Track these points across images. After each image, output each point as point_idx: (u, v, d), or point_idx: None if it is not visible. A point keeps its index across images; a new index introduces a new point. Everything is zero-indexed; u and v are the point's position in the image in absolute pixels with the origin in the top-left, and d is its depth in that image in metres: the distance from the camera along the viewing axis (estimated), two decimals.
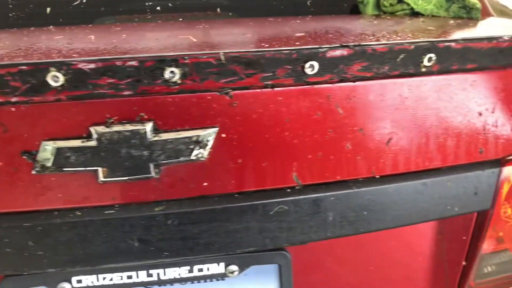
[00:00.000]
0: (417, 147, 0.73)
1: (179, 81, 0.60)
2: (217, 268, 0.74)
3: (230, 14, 1.29)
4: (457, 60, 0.72)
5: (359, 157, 0.71)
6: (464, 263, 0.82)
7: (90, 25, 1.14)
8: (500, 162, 0.79)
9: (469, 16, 1.22)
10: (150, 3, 1.25)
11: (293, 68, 0.64)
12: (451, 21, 1.13)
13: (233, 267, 0.75)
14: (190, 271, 0.73)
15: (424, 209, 0.75)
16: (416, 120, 0.72)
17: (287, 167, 0.69)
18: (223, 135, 0.65)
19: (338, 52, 0.65)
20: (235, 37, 0.83)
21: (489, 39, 0.72)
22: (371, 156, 0.72)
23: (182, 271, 0.73)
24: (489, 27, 1.06)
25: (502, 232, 0.82)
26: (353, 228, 0.72)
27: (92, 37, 0.86)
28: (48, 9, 1.23)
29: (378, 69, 0.68)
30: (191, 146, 0.63)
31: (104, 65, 0.58)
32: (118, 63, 0.58)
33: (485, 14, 1.37)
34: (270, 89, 0.65)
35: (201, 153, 0.64)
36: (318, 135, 0.68)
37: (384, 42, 0.67)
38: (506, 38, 0.73)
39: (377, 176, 0.73)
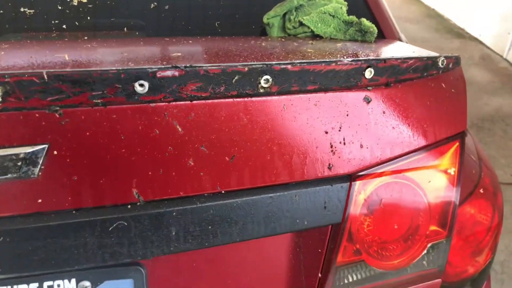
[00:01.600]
0: (262, 163, 0.76)
1: (0, 99, 0.62)
2: (68, 284, 0.75)
3: (137, 33, 1.32)
4: (296, 81, 0.75)
5: (203, 173, 0.74)
6: (319, 275, 0.84)
7: None
8: (350, 177, 0.83)
9: (364, 39, 1.29)
10: (57, 21, 1.28)
11: (123, 87, 0.66)
12: (339, 44, 1.19)
13: (86, 283, 0.75)
14: (40, 287, 0.74)
15: (271, 223, 0.78)
16: (260, 137, 0.76)
17: (126, 183, 0.70)
18: (55, 152, 0.66)
19: (169, 73, 0.68)
20: (105, 56, 0.85)
21: (327, 62, 0.76)
22: (216, 172, 0.74)
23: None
24: (369, 49, 1.12)
25: (358, 244, 0.85)
26: (197, 242, 0.74)
27: None
28: None
29: (214, 89, 0.71)
30: (19, 163, 0.65)
31: None
32: None
33: (392, 37, 1.44)
34: (102, 107, 0.67)
35: (31, 170, 0.65)
36: (157, 152, 0.71)
37: (218, 64, 0.70)
38: (345, 61, 0.78)
39: (222, 191, 0.75)
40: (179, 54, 0.95)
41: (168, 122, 0.71)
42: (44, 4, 1.28)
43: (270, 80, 0.73)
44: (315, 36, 1.33)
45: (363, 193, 0.84)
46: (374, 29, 1.28)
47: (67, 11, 1.29)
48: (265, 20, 1.34)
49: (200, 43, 1.12)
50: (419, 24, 6.72)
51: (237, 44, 1.11)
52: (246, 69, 0.71)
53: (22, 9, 1.26)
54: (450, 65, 0.93)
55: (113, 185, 0.70)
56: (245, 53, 0.94)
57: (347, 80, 0.79)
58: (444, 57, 0.90)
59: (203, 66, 0.69)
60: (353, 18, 1.33)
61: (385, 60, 0.81)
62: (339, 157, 0.81)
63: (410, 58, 0.84)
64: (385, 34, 1.44)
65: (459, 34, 6.21)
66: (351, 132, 0.81)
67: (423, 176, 0.88)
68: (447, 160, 0.90)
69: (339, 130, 0.80)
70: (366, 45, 1.20)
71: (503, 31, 5.34)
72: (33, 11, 1.26)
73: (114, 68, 0.65)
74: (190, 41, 1.14)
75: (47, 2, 1.28)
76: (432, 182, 0.88)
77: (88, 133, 0.67)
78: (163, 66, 0.67)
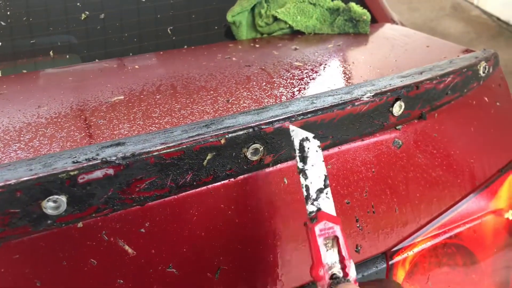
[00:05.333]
0: (263, 270, 0.52)
1: None
2: None
3: (67, 56, 1.02)
4: None
5: None
6: None
7: None
8: (386, 256, 0.59)
9: (356, 31, 1.03)
10: None
11: (24, 211, 0.39)
12: (330, 45, 0.92)
13: None
14: None
15: None
16: (254, 234, 0.50)
17: None
18: None
19: (98, 174, 0.41)
20: None
21: (341, 106, 0.51)
22: None
23: None
24: (375, 50, 0.87)
25: None
26: None
27: None
28: None
29: (176, 181, 0.45)
30: None
31: None
32: None
33: (384, 19, 1.18)
34: None
35: None
36: None
37: (177, 142, 0.44)
38: (365, 99, 0.52)
39: None
40: (121, 98, 0.68)
41: (111, 244, 0.44)
42: None
43: (261, 149, 0.47)
44: (295, 33, 1.06)
45: (402, 271, 0.60)
46: (368, 16, 1.02)
47: None
48: (229, 18, 1.06)
49: (147, 69, 0.84)
50: None
51: (198, 64, 0.84)
52: (223, 141, 0.45)
53: None
54: (491, 69, 0.68)
55: None
56: (213, 89, 0.68)
57: (369, 124, 0.54)
58: (485, 60, 0.66)
59: (152, 152, 0.43)
60: (338, 3, 1.06)
61: (417, 85, 0.56)
62: (369, 233, 0.57)
63: (447, 75, 0.60)
64: (376, 16, 1.17)
65: None
66: (380, 195, 0.57)
67: (476, 230, 0.65)
68: (503, 201, 0.67)
69: (365, 196, 0.56)
70: (365, 42, 0.95)
71: None
72: None
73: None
74: (137, 66, 0.86)
75: None
76: (489, 237, 0.66)
77: None
78: (86, 165, 0.40)
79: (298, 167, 0.42)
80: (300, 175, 0.42)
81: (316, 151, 0.43)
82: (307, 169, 0.42)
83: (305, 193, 0.41)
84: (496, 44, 4.18)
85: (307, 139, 0.43)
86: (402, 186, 0.58)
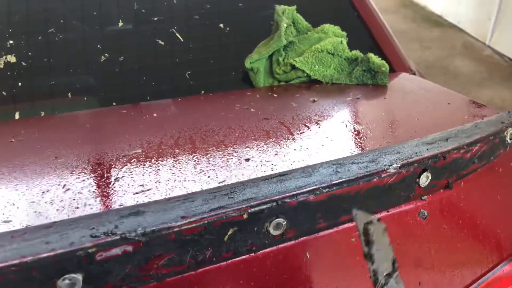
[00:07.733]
0: None
1: None
2: None
3: (85, 99, 1.02)
4: (324, 216, 0.48)
5: None
6: None
7: None
8: None
9: (375, 82, 1.02)
10: None
11: None
12: (349, 98, 0.92)
13: None
14: None
15: None
16: None
17: None
18: None
19: (117, 251, 0.39)
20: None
21: (367, 178, 0.49)
22: None
23: None
24: (394, 107, 0.86)
25: None
26: None
27: None
28: None
29: (196, 257, 0.43)
30: None
31: None
32: None
33: (402, 68, 1.17)
34: None
35: None
36: None
37: (198, 217, 0.42)
38: (392, 170, 0.51)
39: None
40: (139, 151, 0.67)
41: None
42: None
43: (284, 223, 0.46)
44: (312, 81, 1.06)
45: None
46: (386, 68, 1.01)
47: None
48: (247, 64, 1.06)
49: (165, 119, 0.83)
50: (394, 14, 6.53)
51: (217, 114, 0.83)
52: (245, 216, 0.44)
53: None
54: None
55: None
56: (232, 144, 0.67)
57: (395, 195, 0.52)
58: (511, 126, 0.64)
59: (173, 228, 0.41)
60: (357, 53, 1.06)
61: (444, 155, 0.54)
62: None
63: (475, 143, 0.58)
64: (394, 65, 1.17)
65: (438, 22, 6.05)
66: (403, 268, 0.54)
67: None
68: None
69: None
70: (384, 96, 0.94)
71: (484, 16, 5.17)
72: None
73: (12, 263, 0.36)
74: (155, 114, 0.86)
75: None
76: None
77: None
78: (104, 241, 0.39)
79: (364, 251, 0.41)
80: (367, 260, 0.41)
81: (382, 234, 0.41)
82: (373, 253, 0.40)
83: (372, 278, 0.39)
84: (509, 85, 4.18)
85: (371, 222, 0.42)
86: (427, 258, 0.56)
